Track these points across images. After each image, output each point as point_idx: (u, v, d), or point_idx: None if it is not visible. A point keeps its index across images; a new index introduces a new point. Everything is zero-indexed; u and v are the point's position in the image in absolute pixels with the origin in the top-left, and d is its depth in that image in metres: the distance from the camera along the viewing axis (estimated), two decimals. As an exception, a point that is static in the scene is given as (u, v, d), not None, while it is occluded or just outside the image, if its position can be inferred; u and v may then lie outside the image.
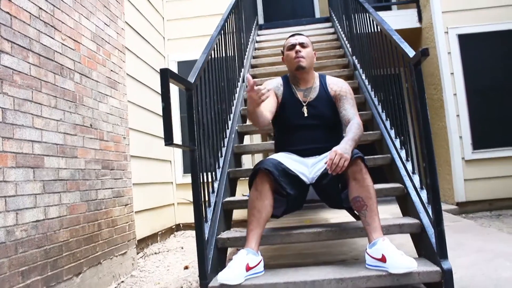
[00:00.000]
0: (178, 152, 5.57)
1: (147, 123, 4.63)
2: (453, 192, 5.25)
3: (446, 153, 5.35)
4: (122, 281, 3.39)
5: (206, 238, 2.17)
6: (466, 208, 5.17)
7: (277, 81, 2.67)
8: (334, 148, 2.18)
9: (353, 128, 2.34)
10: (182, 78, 2.03)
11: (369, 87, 3.51)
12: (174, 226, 5.45)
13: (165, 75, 1.85)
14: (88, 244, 2.92)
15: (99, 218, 3.12)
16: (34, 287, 2.34)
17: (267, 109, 2.47)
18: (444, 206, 5.30)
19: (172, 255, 4.32)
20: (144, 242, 4.41)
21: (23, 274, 2.27)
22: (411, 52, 2.15)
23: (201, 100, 2.42)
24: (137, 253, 4.08)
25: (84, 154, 2.99)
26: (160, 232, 4.92)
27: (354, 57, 4.19)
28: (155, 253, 4.40)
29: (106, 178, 3.28)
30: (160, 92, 5.11)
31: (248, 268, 2.10)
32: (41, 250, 2.44)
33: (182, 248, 4.60)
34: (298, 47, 2.54)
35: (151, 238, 4.66)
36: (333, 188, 2.33)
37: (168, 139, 1.81)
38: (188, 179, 5.49)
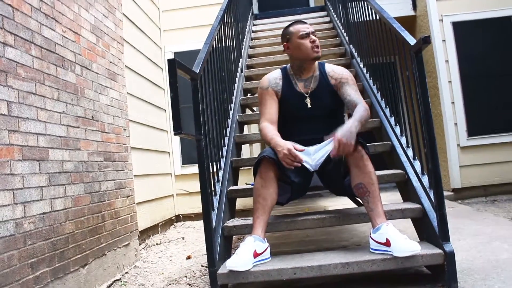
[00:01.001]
0: (177, 143, 5.58)
1: (146, 114, 4.64)
2: (449, 178, 5.33)
3: (441, 140, 5.42)
4: (126, 272, 3.43)
5: (213, 226, 2.21)
6: (462, 194, 5.25)
7: (275, 75, 2.62)
8: (338, 135, 2.14)
9: (360, 110, 2.34)
10: (189, 68, 2.06)
11: (367, 75, 3.54)
12: (174, 217, 5.48)
13: (173, 65, 1.87)
14: (92, 236, 2.95)
15: (103, 210, 3.14)
16: (43, 278, 2.37)
17: (274, 119, 2.51)
18: (440, 192, 5.38)
19: (173, 246, 4.35)
20: (145, 233, 4.45)
21: (32, 266, 2.30)
22: (412, 40, 2.18)
23: (205, 90, 2.44)
24: (140, 244, 4.11)
25: (86, 146, 3.00)
26: (160, 223, 4.95)
27: (351, 46, 4.22)
28: (157, 244, 4.43)
29: (108, 170, 3.30)
30: (157, 84, 5.14)
31: (256, 255, 2.15)
32: (49, 242, 2.46)
33: (183, 238, 4.64)
34: (313, 37, 2.50)
35: (152, 229, 4.69)
36: (336, 174, 2.37)
37: (177, 128, 1.83)
38: (186, 170, 5.52)
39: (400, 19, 5.76)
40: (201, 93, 2.27)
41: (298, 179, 2.38)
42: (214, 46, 2.91)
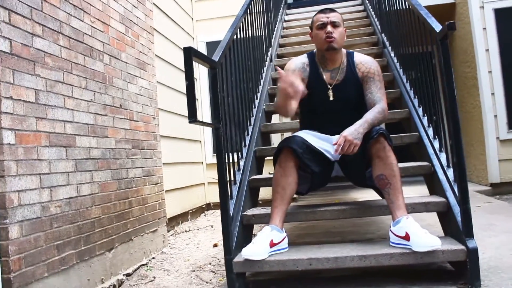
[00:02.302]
0: (208, 132, 5.63)
1: (177, 103, 4.70)
2: (486, 172, 5.12)
3: (480, 132, 5.21)
4: (153, 258, 3.50)
5: (231, 215, 2.21)
6: (500, 189, 5.03)
7: (303, 60, 2.53)
8: (344, 133, 2.14)
9: (375, 111, 2.28)
10: (206, 57, 2.06)
11: (397, 65, 3.44)
12: (204, 205, 5.55)
13: (189, 54, 1.88)
14: (119, 221, 3.03)
15: (130, 196, 3.22)
16: (68, 260, 2.46)
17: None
18: (477, 187, 5.19)
19: (202, 233, 4.42)
20: (175, 220, 4.53)
21: (58, 248, 2.38)
22: (437, 27, 2.09)
23: (227, 78, 2.44)
24: (168, 231, 4.19)
25: (114, 134, 3.07)
26: (190, 211, 5.03)
27: (383, 35, 4.11)
28: (186, 231, 4.51)
29: (136, 158, 3.37)
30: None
31: (272, 244, 2.14)
32: (75, 226, 2.54)
33: (212, 226, 4.69)
34: (329, 28, 2.38)
35: (182, 217, 4.77)
36: (357, 165, 2.32)
37: (192, 116, 1.84)
38: (217, 159, 5.56)
39: (438, 7, 5.61)
40: (221, 81, 2.27)
41: (319, 169, 2.34)
42: (240, 35, 2.90)
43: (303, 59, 2.55)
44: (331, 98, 2.43)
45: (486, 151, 5.09)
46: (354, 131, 2.15)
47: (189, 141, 5.14)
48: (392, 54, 3.65)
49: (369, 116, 2.23)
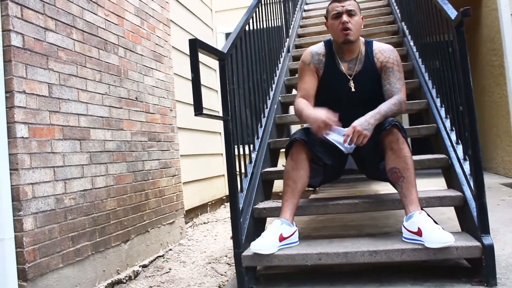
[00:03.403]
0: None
1: (194, 96, 4.69)
2: (514, 164, 4.95)
3: (506, 123, 5.03)
4: (170, 249, 3.54)
5: (240, 208, 2.20)
6: (528, 182, 4.85)
7: (318, 51, 2.43)
8: (354, 123, 2.09)
9: (390, 102, 2.19)
10: (213, 48, 2.04)
11: (417, 54, 3.34)
12: (224, 197, 5.57)
13: (194, 46, 1.86)
14: (135, 213, 3.06)
15: (146, 188, 3.24)
16: (83, 251, 2.50)
17: (311, 95, 2.39)
18: (503, 180, 5.02)
19: (220, 225, 4.43)
20: (193, 212, 4.56)
21: (73, 239, 2.43)
22: (453, 14, 2.01)
23: (237, 70, 2.41)
24: (186, 223, 4.22)
25: (130, 126, 3.09)
26: (210, 203, 5.05)
27: (403, 23, 3.99)
28: (204, 223, 4.53)
29: (153, 150, 3.39)
30: (208, 65, 5.18)
31: (282, 238, 2.12)
32: (89, 218, 2.58)
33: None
34: (345, 17, 2.28)
35: (201, 208, 4.79)
36: (370, 158, 2.26)
37: (198, 109, 1.83)
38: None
39: (464, -6, 5.41)
40: (231, 73, 2.25)
41: (331, 162, 2.30)
42: (254, 25, 2.86)
43: (319, 48, 2.45)
44: (353, 90, 2.35)
45: (514, 142, 4.92)
46: (365, 122, 2.09)
47: (208, 133, 5.15)
48: (412, 43, 3.54)
49: (383, 107, 2.16)
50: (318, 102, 2.44)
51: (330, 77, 2.39)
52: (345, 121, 2.27)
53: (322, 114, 2.12)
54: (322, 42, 2.49)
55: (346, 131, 2.12)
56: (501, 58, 4.98)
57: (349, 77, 2.37)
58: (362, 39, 2.42)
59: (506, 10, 4.87)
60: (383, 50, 2.37)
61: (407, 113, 2.98)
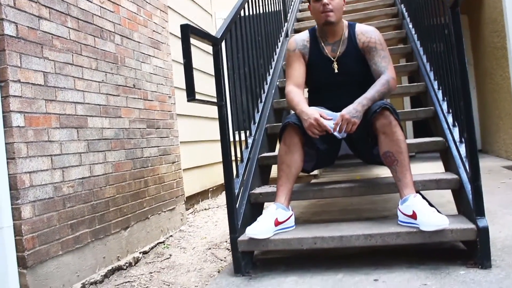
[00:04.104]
0: (228, 110, 5.61)
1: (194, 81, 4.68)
2: (516, 147, 4.93)
3: (509, 105, 4.99)
4: (171, 235, 3.57)
5: (236, 193, 2.21)
6: (530, 164, 4.83)
7: (304, 37, 2.48)
8: (342, 112, 2.12)
9: (378, 84, 2.20)
10: (205, 33, 2.03)
11: (415, 36, 3.31)
12: (225, 183, 5.57)
13: (186, 31, 1.85)
14: (135, 200, 3.08)
15: (146, 176, 3.26)
16: (83, 238, 2.52)
17: (301, 82, 2.42)
18: (505, 162, 5.01)
19: (221, 211, 4.45)
20: (194, 199, 4.58)
21: (72, 227, 2.45)
22: (447, -5, 1.98)
23: (232, 54, 2.40)
24: (187, 209, 4.24)
25: (128, 114, 3.10)
26: (211, 189, 5.07)
27: (402, 5, 3.95)
28: (205, 209, 4.55)
29: (151, 137, 3.40)
30: (208, 51, 5.15)
31: (277, 223, 2.13)
32: (88, 205, 2.60)
33: (231, 204, 4.72)
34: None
35: (202, 195, 4.81)
36: (363, 143, 2.26)
37: (190, 95, 1.83)
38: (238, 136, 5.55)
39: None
40: (225, 58, 2.24)
41: (325, 146, 2.30)
42: (249, 10, 2.84)
43: (304, 35, 2.51)
44: (336, 71, 2.38)
45: (516, 124, 4.89)
46: (352, 110, 2.12)
47: (208, 119, 5.14)
48: (411, 26, 3.51)
49: (369, 92, 2.17)
50: (308, 86, 2.50)
51: (315, 61, 2.44)
52: (335, 103, 2.32)
53: (315, 113, 2.16)
54: (307, 30, 2.54)
55: (336, 119, 2.13)
56: (504, 39, 4.92)
57: (332, 59, 2.40)
58: (345, 22, 2.46)
59: (508, -10, 4.80)
60: (365, 31, 2.40)
61: (406, 96, 2.94)
